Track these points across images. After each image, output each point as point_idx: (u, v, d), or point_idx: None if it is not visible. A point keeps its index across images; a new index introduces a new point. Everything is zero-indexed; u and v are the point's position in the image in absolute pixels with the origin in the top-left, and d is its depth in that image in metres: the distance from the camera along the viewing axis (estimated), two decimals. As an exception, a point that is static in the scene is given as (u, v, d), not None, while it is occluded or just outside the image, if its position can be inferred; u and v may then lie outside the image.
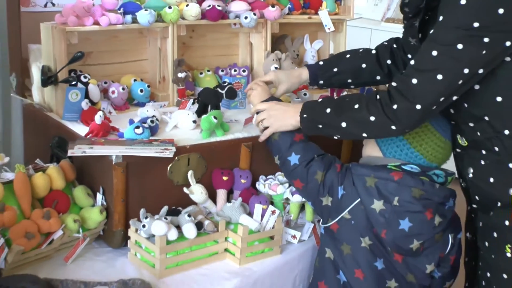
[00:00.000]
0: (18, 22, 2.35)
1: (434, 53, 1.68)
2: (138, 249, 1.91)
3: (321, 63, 2.34)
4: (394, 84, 1.77)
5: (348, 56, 2.32)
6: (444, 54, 1.67)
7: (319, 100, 1.98)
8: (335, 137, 1.95)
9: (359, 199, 1.88)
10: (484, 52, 1.64)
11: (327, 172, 1.94)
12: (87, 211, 1.96)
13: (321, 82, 2.32)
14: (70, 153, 1.90)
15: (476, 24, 1.62)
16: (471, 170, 1.86)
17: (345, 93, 2.64)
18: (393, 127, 1.77)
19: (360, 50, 2.33)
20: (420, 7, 1.85)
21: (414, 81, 1.71)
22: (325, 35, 2.90)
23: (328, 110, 1.89)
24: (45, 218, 1.84)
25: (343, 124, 1.86)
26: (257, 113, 2.08)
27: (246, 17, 2.51)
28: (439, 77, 1.68)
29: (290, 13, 2.73)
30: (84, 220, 1.94)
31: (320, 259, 2.00)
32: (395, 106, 1.74)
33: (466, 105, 1.79)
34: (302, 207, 2.20)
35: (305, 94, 2.47)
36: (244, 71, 2.64)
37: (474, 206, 1.93)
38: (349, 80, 2.31)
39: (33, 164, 2.03)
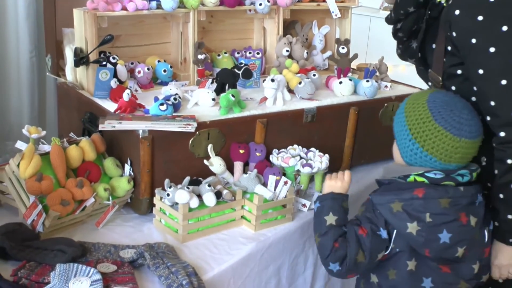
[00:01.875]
0: (53, 8, 2.30)
1: (504, 82, 1.58)
2: (162, 215, 1.88)
3: None
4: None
5: None
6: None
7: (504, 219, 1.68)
8: None
9: (396, 230, 1.63)
10: None
11: (362, 248, 1.64)
12: (116, 181, 1.93)
13: None
14: (100, 127, 1.87)
15: (504, 28, 1.57)
16: (484, 159, 1.75)
17: (350, 74, 2.58)
18: None
19: None
20: (413, 29, 1.78)
21: None
22: (331, 21, 2.83)
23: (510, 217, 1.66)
24: (78, 187, 1.82)
25: None
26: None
27: (260, 4, 2.47)
28: None
29: (300, 0, 2.67)
30: (114, 189, 1.92)
31: (365, 282, 1.77)
32: None
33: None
34: (311, 178, 2.16)
35: (314, 75, 2.40)
36: (258, 53, 2.59)
37: (485, 192, 1.74)
38: None
39: (67, 137, 2.00)
